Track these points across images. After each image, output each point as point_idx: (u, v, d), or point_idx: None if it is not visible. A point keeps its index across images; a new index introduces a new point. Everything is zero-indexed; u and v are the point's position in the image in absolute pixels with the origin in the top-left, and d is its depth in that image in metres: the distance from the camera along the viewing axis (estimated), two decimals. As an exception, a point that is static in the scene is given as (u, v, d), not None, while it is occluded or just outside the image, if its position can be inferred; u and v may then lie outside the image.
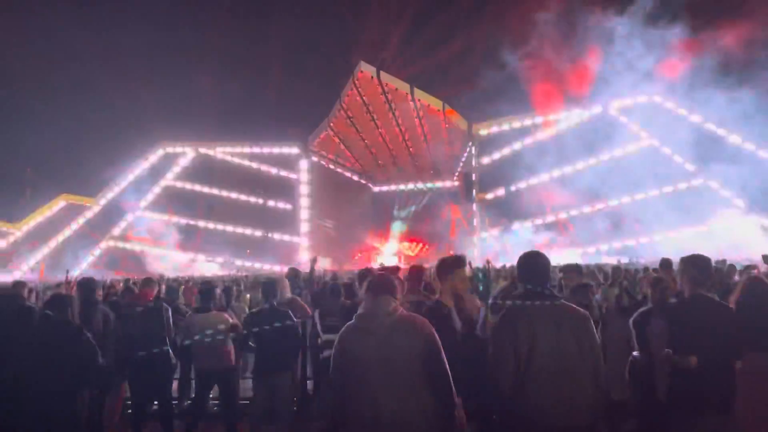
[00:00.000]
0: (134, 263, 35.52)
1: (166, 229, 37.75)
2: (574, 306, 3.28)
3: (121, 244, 37.26)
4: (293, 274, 8.82)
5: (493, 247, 35.20)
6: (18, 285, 6.34)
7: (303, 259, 39.35)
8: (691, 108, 31.44)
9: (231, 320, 6.04)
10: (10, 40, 40.20)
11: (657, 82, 31.70)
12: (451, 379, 3.14)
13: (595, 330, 3.23)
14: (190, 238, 37.65)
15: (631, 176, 30.73)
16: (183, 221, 39.09)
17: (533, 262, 3.39)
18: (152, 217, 38.53)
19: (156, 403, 6.58)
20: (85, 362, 4.31)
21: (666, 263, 8.39)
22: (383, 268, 7.62)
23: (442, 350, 3.21)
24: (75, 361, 4.25)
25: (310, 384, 7.89)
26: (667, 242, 28.75)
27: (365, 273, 5.39)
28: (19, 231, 36.03)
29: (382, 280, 3.40)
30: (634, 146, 33.18)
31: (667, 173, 31.51)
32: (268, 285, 6.01)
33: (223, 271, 33.85)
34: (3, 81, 36.47)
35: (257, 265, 36.53)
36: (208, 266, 36.10)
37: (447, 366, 3.16)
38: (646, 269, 12.04)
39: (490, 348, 3.22)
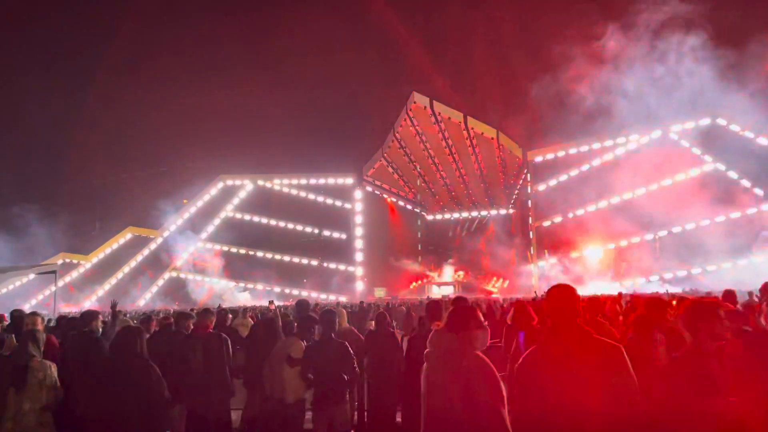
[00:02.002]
0: (183, 294, 36.52)
1: (220, 259, 38.71)
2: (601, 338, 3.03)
3: (183, 275, 38.43)
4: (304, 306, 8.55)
5: (550, 275, 34.43)
6: (89, 316, 6.52)
7: (358, 289, 39.60)
8: (758, 130, 30.19)
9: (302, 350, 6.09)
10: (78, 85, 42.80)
11: (720, 104, 30.58)
12: None
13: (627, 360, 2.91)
14: (246, 268, 38.45)
15: (695, 201, 29.48)
16: (242, 251, 40.06)
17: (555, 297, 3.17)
18: (212, 248, 39.65)
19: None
20: (152, 394, 4.48)
21: (729, 294, 7.70)
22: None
23: None
24: (143, 393, 4.42)
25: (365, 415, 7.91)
26: (732, 270, 27.48)
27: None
28: (89, 263, 37.77)
29: None
30: (697, 170, 32.00)
31: (732, 199, 30.11)
32: (327, 315, 6.03)
33: (255, 301, 34.17)
34: (72, 115, 38.85)
35: (314, 294, 36.91)
36: (242, 295, 36.45)
37: None
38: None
39: None
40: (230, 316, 10.10)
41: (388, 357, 6.93)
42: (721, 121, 32.00)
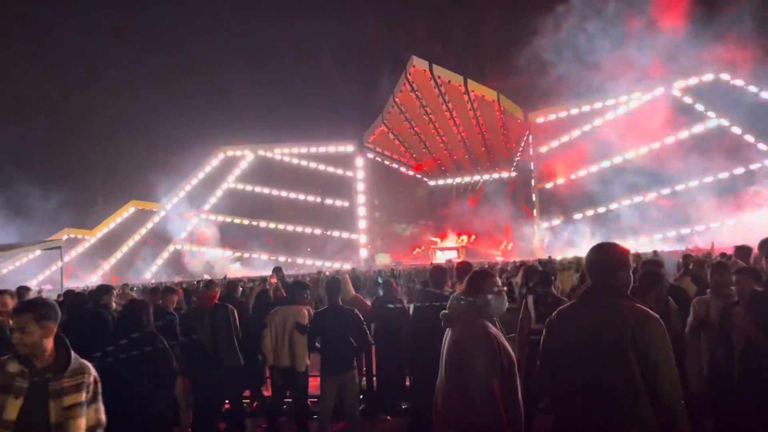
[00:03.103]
0: (178, 266, 36.66)
1: (222, 231, 38.76)
2: (639, 307, 2.71)
3: (186, 248, 38.57)
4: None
5: (551, 238, 34.50)
6: (102, 290, 6.51)
7: (362, 256, 39.73)
8: (761, 85, 29.75)
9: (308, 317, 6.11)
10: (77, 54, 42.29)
11: (724, 59, 30.08)
12: None
13: (663, 336, 2.62)
14: (249, 239, 38.53)
15: (699, 158, 29.20)
16: (244, 222, 40.14)
17: (588, 257, 2.97)
18: (214, 220, 39.73)
19: (228, 403, 6.79)
20: (160, 365, 4.52)
21: (742, 250, 7.53)
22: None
23: None
24: (150, 365, 4.45)
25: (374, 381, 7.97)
26: (724, 228, 27.56)
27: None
28: (93, 237, 37.91)
29: None
30: (701, 127, 31.69)
31: (736, 155, 29.84)
32: (332, 283, 6.02)
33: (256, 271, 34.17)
34: (72, 92, 38.39)
35: (318, 263, 37.07)
36: (234, 266, 36.35)
37: None
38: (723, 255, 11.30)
39: None
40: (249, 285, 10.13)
41: (395, 324, 6.96)
42: (725, 76, 31.54)
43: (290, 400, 6.77)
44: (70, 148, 38.36)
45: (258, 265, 36.29)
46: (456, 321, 3.23)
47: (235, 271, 32.81)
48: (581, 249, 23.81)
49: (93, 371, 2.94)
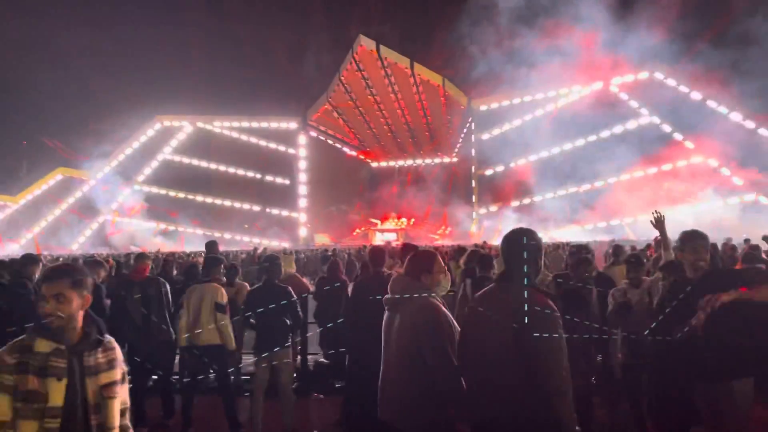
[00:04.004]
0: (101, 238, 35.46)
1: (156, 202, 37.62)
2: (537, 297, 2.66)
3: (117, 219, 37.18)
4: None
5: (488, 224, 35.30)
6: (28, 260, 6.12)
7: (302, 235, 39.45)
8: (692, 85, 31.18)
9: (226, 295, 5.99)
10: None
11: (660, 58, 31.34)
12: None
13: (548, 327, 2.57)
14: (184, 212, 37.51)
15: (631, 153, 30.44)
16: (180, 195, 39.02)
17: (502, 244, 2.95)
18: (148, 191, 38.43)
19: (155, 377, 6.61)
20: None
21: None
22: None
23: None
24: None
25: (311, 360, 7.96)
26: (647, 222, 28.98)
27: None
28: (16, 204, 35.95)
29: None
30: (635, 123, 33.01)
31: (668, 151, 31.29)
32: (268, 261, 5.94)
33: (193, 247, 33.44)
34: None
35: (255, 240, 36.53)
36: (156, 239, 35.34)
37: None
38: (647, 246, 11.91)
39: None
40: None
41: (336, 303, 6.96)
42: (659, 75, 32.87)
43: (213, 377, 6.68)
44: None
45: (193, 240, 35.43)
46: (403, 303, 3.21)
47: (159, 244, 31.61)
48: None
49: (118, 346, 2.59)
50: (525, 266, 2.74)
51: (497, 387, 2.62)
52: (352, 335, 5.37)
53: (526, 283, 2.71)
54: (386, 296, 3.32)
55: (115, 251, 26.28)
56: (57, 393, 2.30)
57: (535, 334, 2.52)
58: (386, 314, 3.33)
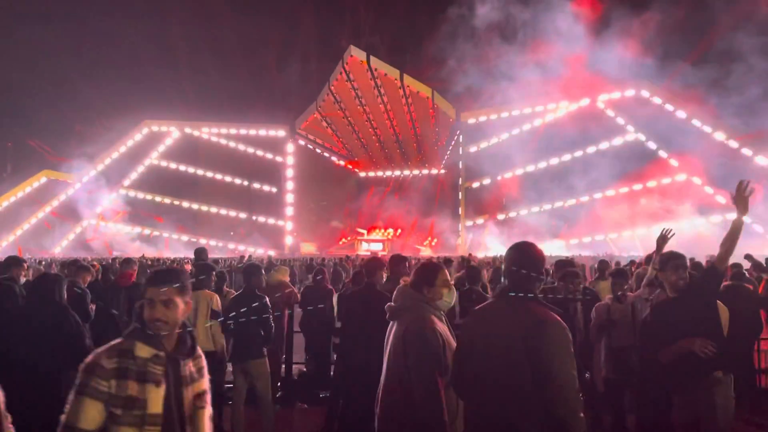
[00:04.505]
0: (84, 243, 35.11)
1: (142, 207, 37.32)
2: (542, 310, 2.63)
3: (103, 223, 36.80)
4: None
5: (474, 237, 35.44)
6: (12, 262, 6.04)
7: (287, 243, 39.31)
8: (677, 103, 31.65)
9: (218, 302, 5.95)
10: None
11: (647, 76, 31.82)
12: None
13: (560, 341, 2.51)
14: (170, 218, 37.26)
15: (617, 169, 30.74)
16: (166, 201, 38.76)
17: (505, 256, 2.92)
18: (133, 197, 38.13)
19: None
20: (72, 342, 4.27)
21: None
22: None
23: None
24: (61, 342, 4.21)
25: (295, 368, 7.92)
26: (637, 237, 29.36)
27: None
28: (-1, 206, 35.47)
29: None
30: (621, 140, 33.39)
31: (652, 169, 31.67)
32: (249, 269, 5.92)
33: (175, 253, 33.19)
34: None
35: (240, 248, 36.31)
36: (134, 245, 35.10)
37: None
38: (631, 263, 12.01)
39: None
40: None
41: (321, 311, 6.97)
42: (645, 93, 33.31)
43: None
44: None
45: (178, 247, 35.18)
46: (403, 313, 3.21)
47: (139, 249, 31.26)
48: (503, 249, 24.62)
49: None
50: (529, 280, 2.70)
51: (500, 405, 2.53)
52: (340, 346, 5.38)
53: (531, 296, 2.68)
54: (388, 304, 3.32)
55: (97, 255, 25.99)
56: (156, 400, 2.25)
57: (549, 349, 2.45)
58: (390, 323, 3.33)
